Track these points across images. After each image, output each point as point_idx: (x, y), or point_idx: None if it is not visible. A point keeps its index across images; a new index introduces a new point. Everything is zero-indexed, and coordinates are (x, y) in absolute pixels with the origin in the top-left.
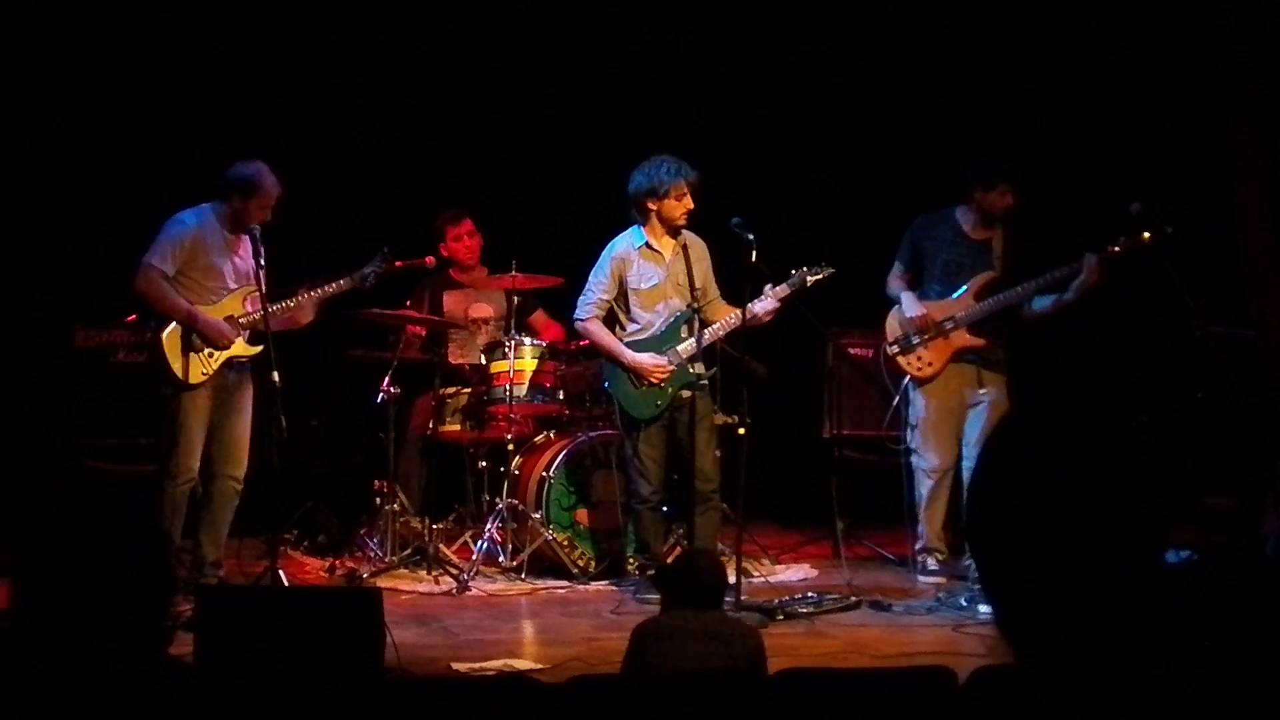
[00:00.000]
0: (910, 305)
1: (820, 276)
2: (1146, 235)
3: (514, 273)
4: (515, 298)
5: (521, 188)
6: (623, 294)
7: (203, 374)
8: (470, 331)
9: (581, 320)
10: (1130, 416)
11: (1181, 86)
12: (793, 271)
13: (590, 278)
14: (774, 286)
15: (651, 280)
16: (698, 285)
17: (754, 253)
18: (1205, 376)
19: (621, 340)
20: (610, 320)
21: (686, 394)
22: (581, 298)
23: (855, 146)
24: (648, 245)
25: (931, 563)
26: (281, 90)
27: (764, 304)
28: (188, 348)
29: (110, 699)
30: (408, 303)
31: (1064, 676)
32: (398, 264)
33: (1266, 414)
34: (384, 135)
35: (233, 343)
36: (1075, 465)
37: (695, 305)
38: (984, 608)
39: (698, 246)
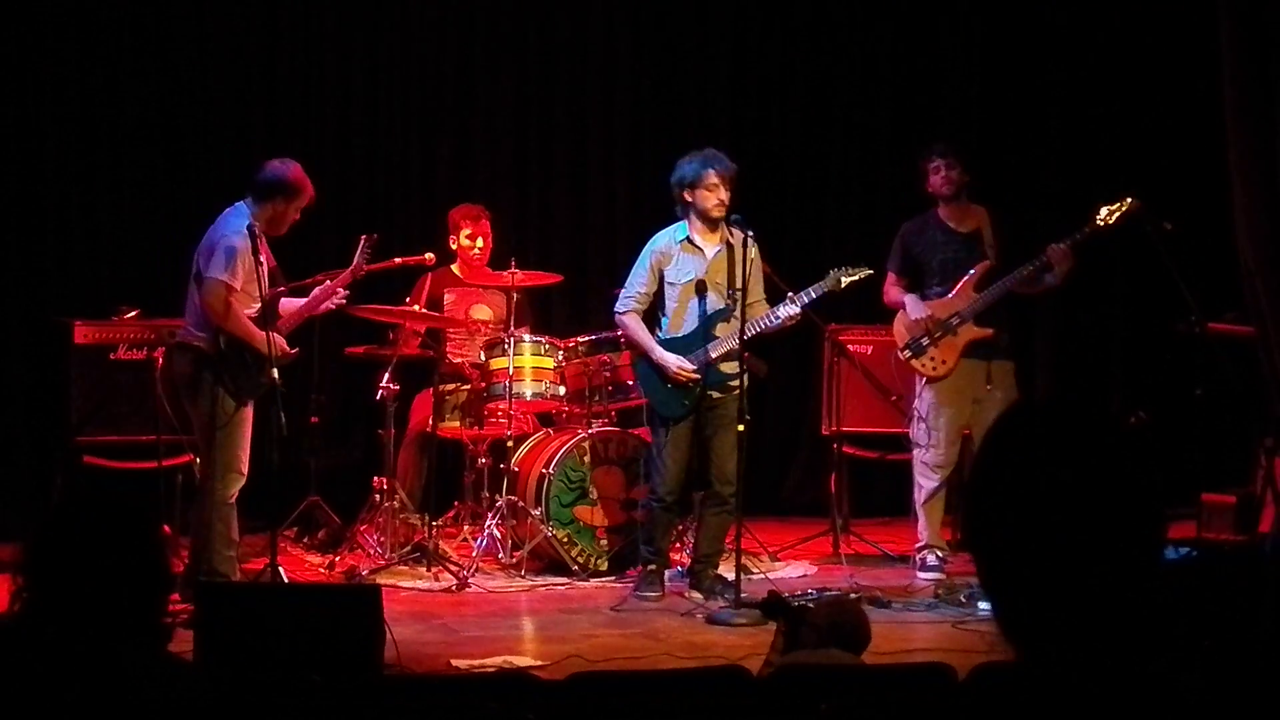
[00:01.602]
0: (914, 308)
1: (856, 278)
2: (1106, 216)
3: (513, 270)
4: (514, 294)
5: (528, 186)
6: (661, 288)
7: (261, 384)
8: (470, 332)
9: (620, 314)
10: (1129, 413)
11: (1181, 82)
12: (830, 271)
13: (631, 272)
14: (794, 294)
15: (688, 275)
16: (738, 285)
17: (754, 248)
18: (1204, 373)
19: (658, 335)
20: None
21: (717, 395)
22: (623, 291)
23: (853, 147)
24: (689, 240)
25: (931, 559)
26: (284, 84)
27: (787, 309)
28: (248, 364)
29: (110, 696)
30: (408, 299)
31: (1063, 673)
32: (397, 260)
33: (1265, 411)
34: (386, 130)
35: (288, 353)
36: (1073, 462)
37: (733, 304)
38: (983, 604)
39: (748, 247)
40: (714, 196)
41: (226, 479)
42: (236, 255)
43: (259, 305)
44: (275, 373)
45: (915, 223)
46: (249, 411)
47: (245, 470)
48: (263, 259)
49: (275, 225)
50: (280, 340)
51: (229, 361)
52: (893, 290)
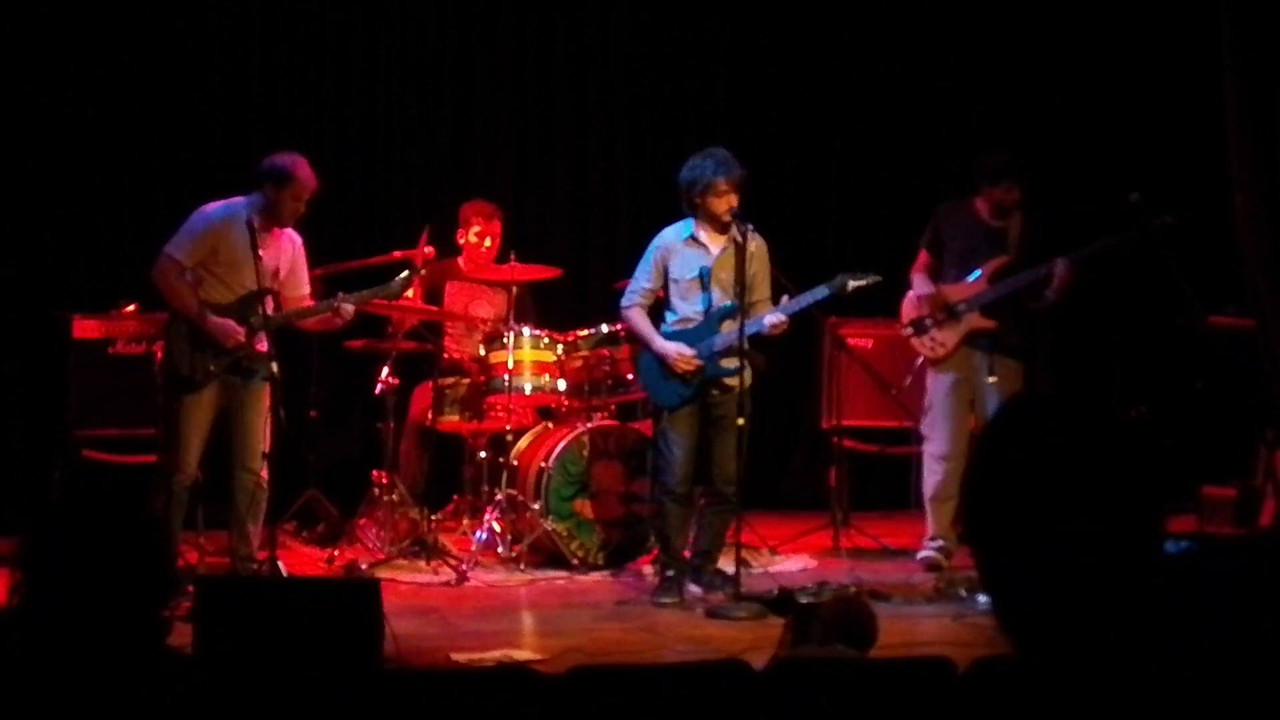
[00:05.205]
0: (921, 285)
1: (863, 284)
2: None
3: (513, 264)
4: (514, 288)
5: (528, 180)
6: (666, 284)
7: (207, 370)
8: (468, 327)
9: (624, 308)
10: (1129, 407)
11: (1181, 77)
12: (837, 275)
13: (637, 267)
14: (789, 298)
15: (692, 271)
16: (745, 284)
17: (754, 243)
18: (1204, 367)
19: (662, 330)
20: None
21: (719, 393)
22: (629, 286)
23: (853, 145)
24: (693, 237)
25: (930, 546)
26: (284, 79)
27: (771, 316)
28: (194, 344)
29: (110, 690)
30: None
31: (1063, 667)
32: (396, 254)
33: (1265, 404)
34: (386, 125)
35: (240, 343)
36: (1073, 455)
37: (738, 302)
38: (983, 598)
39: (755, 246)
40: (724, 203)
41: (170, 463)
42: (190, 233)
43: (239, 295)
44: (274, 365)
45: (951, 204)
46: (201, 404)
47: (189, 464)
48: (262, 253)
49: (272, 215)
50: (229, 326)
51: (176, 341)
52: (917, 271)
